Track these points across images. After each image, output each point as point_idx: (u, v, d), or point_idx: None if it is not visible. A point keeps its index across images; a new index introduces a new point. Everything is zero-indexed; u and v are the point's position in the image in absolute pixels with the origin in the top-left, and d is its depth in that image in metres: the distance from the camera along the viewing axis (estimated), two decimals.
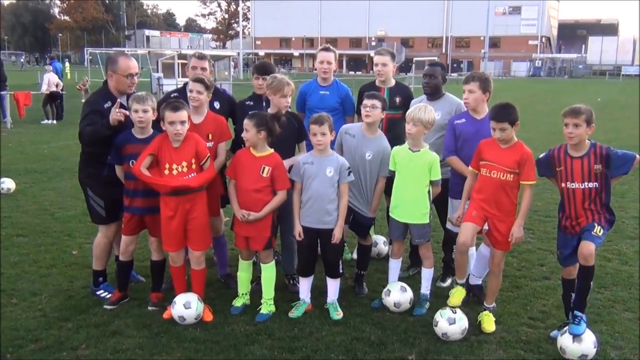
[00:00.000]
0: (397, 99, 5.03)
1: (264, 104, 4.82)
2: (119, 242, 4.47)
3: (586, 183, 3.78)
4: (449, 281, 4.87)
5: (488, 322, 4.10)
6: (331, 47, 5.25)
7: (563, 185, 3.88)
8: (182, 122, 4.01)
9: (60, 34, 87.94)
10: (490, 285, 4.24)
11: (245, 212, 4.14)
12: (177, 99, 4.25)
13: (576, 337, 3.67)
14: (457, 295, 4.09)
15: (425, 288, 4.47)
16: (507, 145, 3.98)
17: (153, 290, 4.45)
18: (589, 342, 3.68)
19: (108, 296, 4.47)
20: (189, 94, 4.38)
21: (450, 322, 3.90)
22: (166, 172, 4.06)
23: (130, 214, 4.28)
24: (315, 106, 4.98)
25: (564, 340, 3.73)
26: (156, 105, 4.22)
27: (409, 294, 4.38)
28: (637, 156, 3.79)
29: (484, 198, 4.03)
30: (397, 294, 4.36)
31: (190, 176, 4.09)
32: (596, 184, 3.77)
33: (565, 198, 3.91)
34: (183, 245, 4.24)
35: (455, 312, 3.95)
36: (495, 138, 3.99)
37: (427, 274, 4.47)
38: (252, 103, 4.91)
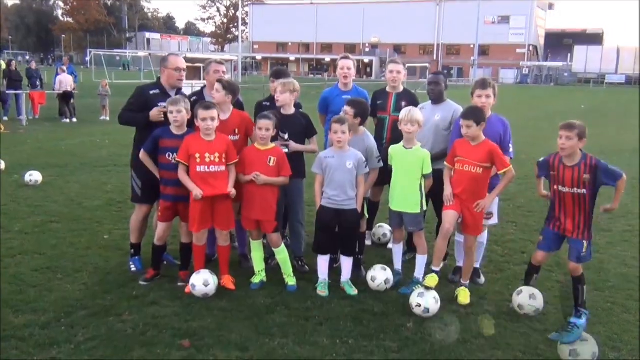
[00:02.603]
0: (403, 103, 5.59)
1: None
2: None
3: (575, 189, 4.19)
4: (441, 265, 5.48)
5: (464, 296, 4.74)
6: (350, 55, 5.96)
7: (555, 187, 4.33)
8: (212, 119, 4.65)
9: (63, 35, 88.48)
10: (465, 265, 4.89)
11: (255, 173, 4.73)
12: (209, 102, 4.91)
13: (572, 349, 3.76)
14: (432, 280, 4.56)
15: (418, 273, 4.98)
16: (475, 142, 4.63)
17: (181, 268, 5.02)
18: (587, 354, 3.71)
19: (133, 269, 5.11)
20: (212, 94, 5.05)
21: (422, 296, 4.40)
22: (197, 159, 4.64)
23: (165, 201, 4.89)
24: (339, 110, 5.47)
25: (562, 349, 3.82)
26: (189, 107, 4.85)
27: (388, 273, 4.89)
28: (624, 176, 4.10)
29: (462, 190, 4.67)
30: (376, 272, 4.89)
31: (219, 168, 4.70)
32: (584, 190, 4.18)
33: (556, 199, 4.36)
34: (207, 226, 4.79)
35: (428, 289, 4.48)
36: (464, 135, 4.64)
37: (420, 260, 5.02)
38: (268, 104, 5.55)
